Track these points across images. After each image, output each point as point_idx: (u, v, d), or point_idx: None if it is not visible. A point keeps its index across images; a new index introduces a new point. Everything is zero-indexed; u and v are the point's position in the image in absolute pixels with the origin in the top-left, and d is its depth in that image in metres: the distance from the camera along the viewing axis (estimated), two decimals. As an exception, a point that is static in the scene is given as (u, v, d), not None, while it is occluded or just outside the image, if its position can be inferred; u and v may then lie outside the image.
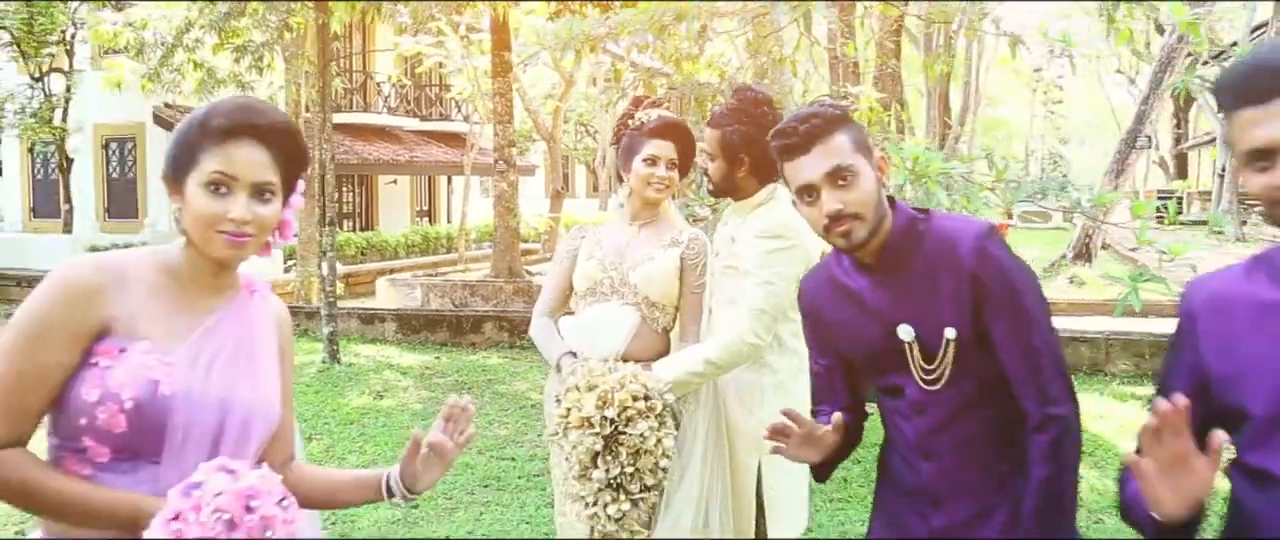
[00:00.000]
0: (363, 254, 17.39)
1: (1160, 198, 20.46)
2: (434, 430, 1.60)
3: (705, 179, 2.88)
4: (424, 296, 13.14)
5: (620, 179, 2.88)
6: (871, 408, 1.94)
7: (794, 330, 2.52)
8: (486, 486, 5.10)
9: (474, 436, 1.68)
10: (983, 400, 1.71)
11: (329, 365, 8.31)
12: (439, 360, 8.83)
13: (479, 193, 21.98)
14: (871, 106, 6.34)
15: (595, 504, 2.41)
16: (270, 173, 1.45)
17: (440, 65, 16.16)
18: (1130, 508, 1.46)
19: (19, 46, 16.11)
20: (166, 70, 10.98)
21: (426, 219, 22.39)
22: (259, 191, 1.44)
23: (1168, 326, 1.64)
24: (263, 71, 10.92)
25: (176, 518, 1.29)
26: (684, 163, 2.84)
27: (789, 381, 2.67)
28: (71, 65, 16.70)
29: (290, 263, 13.30)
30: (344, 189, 19.00)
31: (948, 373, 1.69)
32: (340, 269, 11.15)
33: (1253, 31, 17.55)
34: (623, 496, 2.39)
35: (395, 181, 20.89)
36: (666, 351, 2.74)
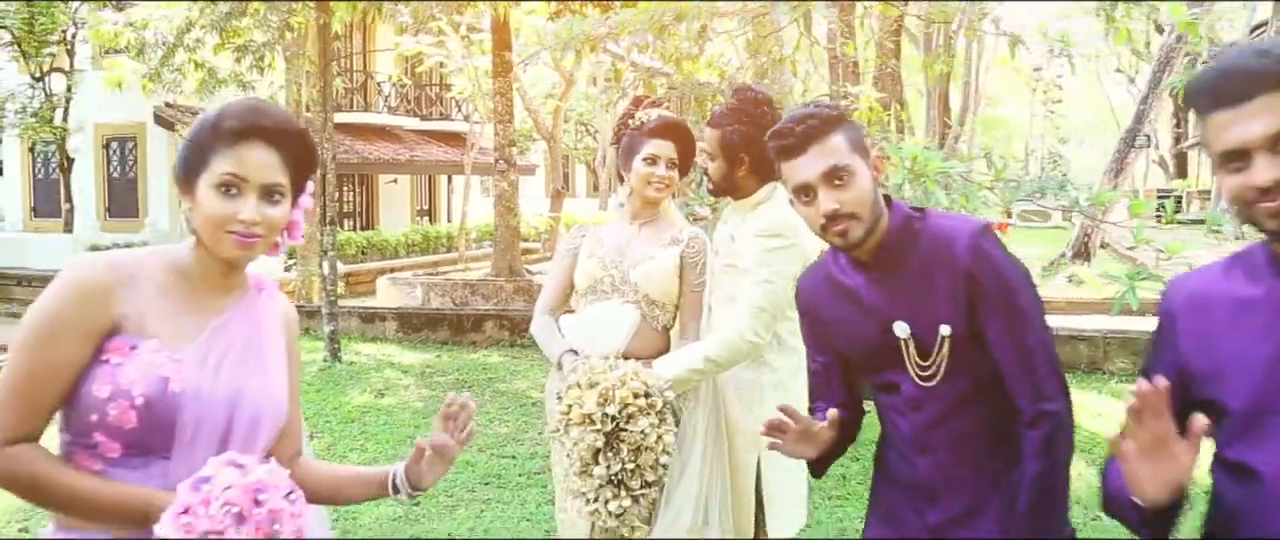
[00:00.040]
0: (363, 253, 17.41)
1: (1160, 197, 20.48)
2: (435, 431, 1.63)
3: (705, 178, 2.90)
4: (424, 295, 13.16)
5: (621, 178, 2.91)
6: (869, 405, 1.96)
7: (793, 328, 2.54)
8: (487, 484, 5.12)
9: (474, 434, 1.70)
10: (977, 397, 1.74)
11: (330, 364, 8.33)
12: (440, 359, 8.86)
13: (479, 192, 21.99)
14: (871, 106, 6.36)
15: (596, 500, 2.44)
16: (280, 175, 1.48)
17: (441, 65, 16.18)
18: (1112, 499, 1.49)
19: (20, 46, 16.11)
20: (167, 70, 10.99)
21: (427, 218, 22.40)
22: (269, 193, 1.46)
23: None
24: (264, 71, 10.93)
25: (186, 512, 1.31)
26: (684, 162, 2.86)
27: (788, 379, 2.69)
28: (72, 65, 16.71)
29: (291, 262, 13.31)
30: (344, 188, 19.00)
31: (943, 369, 1.72)
32: (341, 268, 11.18)
33: (1252, 31, 17.57)
34: (623, 493, 2.42)
35: (396, 181, 20.90)
36: (666, 349, 2.76)
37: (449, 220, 21.95)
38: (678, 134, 2.83)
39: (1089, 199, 4.38)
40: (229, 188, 1.44)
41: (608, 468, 2.40)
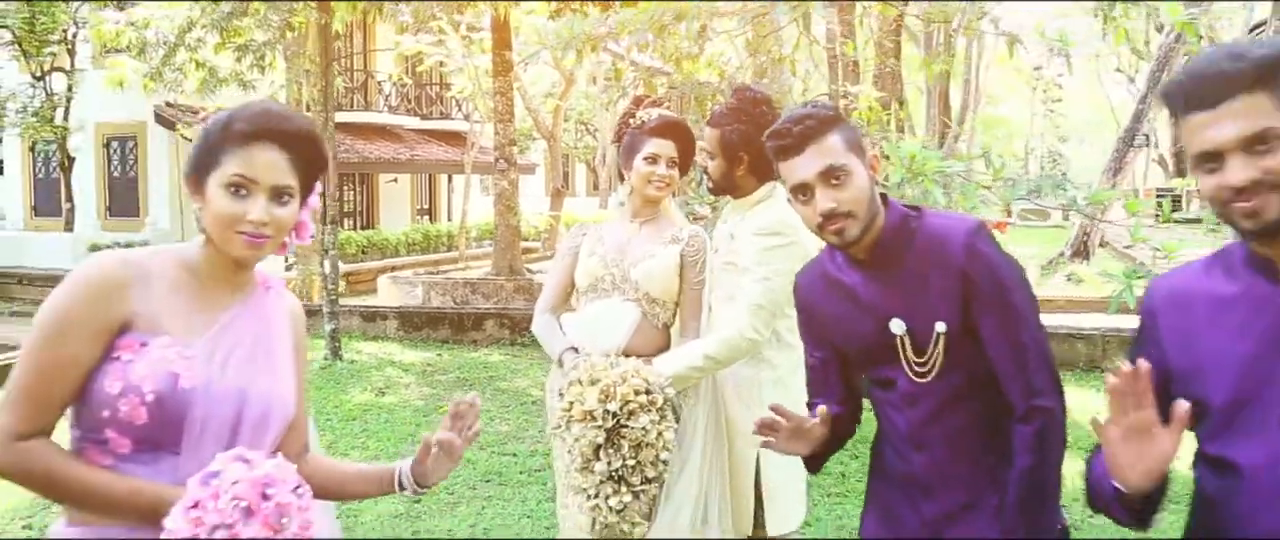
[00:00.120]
0: (364, 252, 17.42)
1: (1158, 195, 20.48)
2: (442, 429, 1.66)
3: (705, 177, 2.92)
4: (425, 294, 13.19)
5: (622, 177, 2.93)
6: (868, 403, 1.99)
7: (791, 325, 2.56)
8: (488, 481, 5.15)
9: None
10: (972, 393, 1.76)
11: (331, 362, 8.36)
12: (440, 357, 8.88)
13: (479, 191, 21.99)
14: (871, 105, 6.38)
15: (597, 496, 2.46)
16: (289, 176, 1.50)
17: (441, 64, 16.18)
18: (1096, 490, 1.52)
19: (20, 45, 16.14)
20: (168, 69, 11.01)
21: (427, 217, 22.41)
22: (278, 194, 1.49)
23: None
24: (264, 71, 10.96)
25: (195, 506, 1.33)
26: (684, 161, 2.88)
27: (787, 376, 2.72)
28: (73, 64, 16.73)
29: (291, 261, 13.33)
30: (345, 187, 19.01)
31: (938, 365, 1.75)
32: (341, 267, 11.19)
33: (1251, 30, 17.57)
34: (624, 489, 2.44)
35: (396, 180, 20.91)
36: (667, 347, 2.78)
37: (449, 219, 21.96)
38: (678, 133, 2.86)
39: (1087, 198, 4.40)
40: (239, 188, 1.46)
41: (608, 464, 2.42)
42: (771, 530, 2.77)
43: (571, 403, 2.48)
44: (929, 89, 16.15)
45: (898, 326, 1.76)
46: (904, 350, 1.76)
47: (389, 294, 13.86)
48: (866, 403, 1.99)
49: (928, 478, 1.80)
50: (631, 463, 2.42)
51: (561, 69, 16.95)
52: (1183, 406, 1.32)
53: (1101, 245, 14.29)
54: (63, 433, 1.46)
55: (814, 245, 2.59)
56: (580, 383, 2.50)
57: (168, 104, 15.07)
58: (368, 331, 9.97)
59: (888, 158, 3.96)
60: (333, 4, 9.14)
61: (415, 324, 9.89)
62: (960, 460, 1.78)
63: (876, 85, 8.00)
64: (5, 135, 17.20)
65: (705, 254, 2.81)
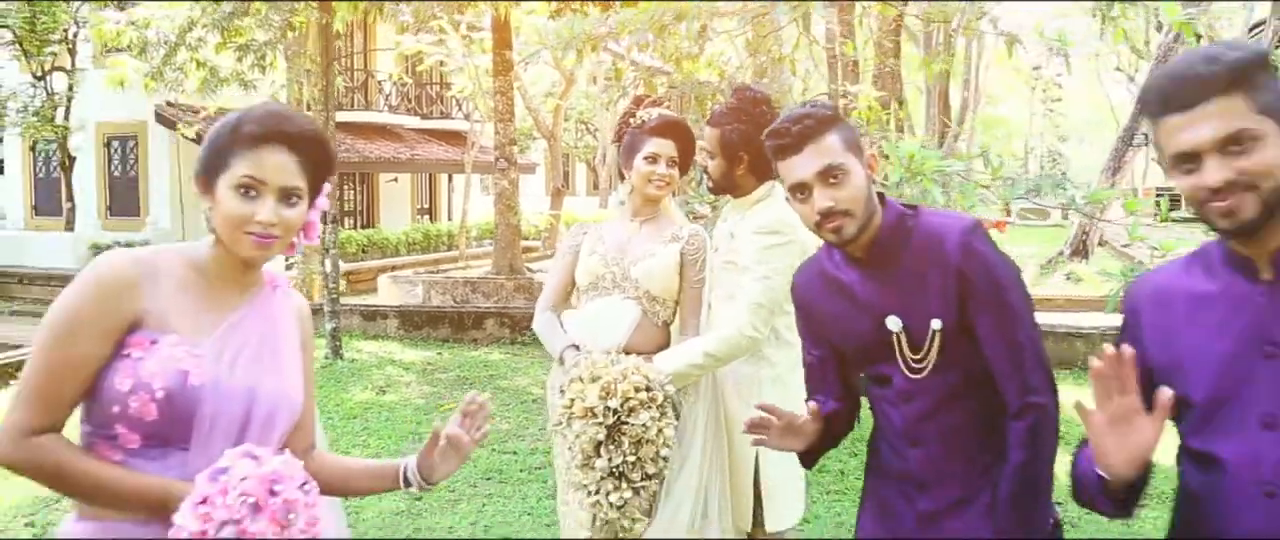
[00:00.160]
0: (364, 251, 17.43)
1: (1157, 194, 20.49)
2: (452, 424, 1.68)
3: (705, 176, 2.95)
4: (425, 293, 13.21)
5: (622, 176, 2.95)
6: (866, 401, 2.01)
7: (790, 323, 2.58)
8: (489, 479, 5.17)
9: (477, 430, 1.75)
10: (968, 391, 1.79)
11: (332, 361, 8.38)
12: (441, 356, 8.90)
13: (480, 190, 22.01)
14: (870, 105, 6.40)
15: (598, 492, 2.48)
16: (297, 178, 1.52)
17: (441, 64, 16.19)
18: (1080, 482, 1.54)
19: (21, 45, 16.15)
20: (169, 69, 11.01)
21: (427, 216, 22.42)
22: (286, 195, 1.51)
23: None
24: (265, 70, 10.97)
25: (204, 501, 1.35)
26: (684, 160, 2.90)
27: (786, 374, 2.74)
28: (74, 64, 16.73)
29: (292, 260, 13.35)
30: (345, 187, 19.02)
31: (933, 362, 1.77)
32: (342, 266, 11.21)
33: (1250, 30, 17.58)
34: (624, 485, 2.46)
35: (396, 179, 20.91)
36: (667, 344, 2.81)
37: (449, 218, 21.97)
38: (678, 132, 2.88)
39: (1086, 197, 4.43)
40: (248, 190, 1.49)
41: (609, 460, 2.45)
42: (770, 527, 2.79)
43: (572, 400, 2.50)
44: (929, 89, 16.17)
45: (894, 323, 1.78)
46: (900, 347, 1.78)
47: (389, 293, 13.88)
48: (864, 400, 2.01)
49: (923, 474, 1.83)
50: (632, 459, 2.45)
51: (562, 69, 16.96)
52: (1166, 394, 1.35)
53: (1100, 244, 14.31)
54: (73, 428, 1.48)
55: (813, 244, 2.61)
56: (581, 380, 2.52)
57: (168, 104, 15.08)
58: (368, 330, 9.99)
59: (887, 157, 3.98)
60: (334, 4, 9.15)
61: (416, 323, 9.91)
62: (955, 457, 1.81)
63: (876, 85, 8.02)
64: (6, 135, 17.21)
65: (705, 252, 2.83)
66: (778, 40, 6.89)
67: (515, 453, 5.65)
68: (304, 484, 1.42)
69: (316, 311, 8.80)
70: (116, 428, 1.44)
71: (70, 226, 17.07)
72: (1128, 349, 1.35)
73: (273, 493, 1.38)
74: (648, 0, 5.62)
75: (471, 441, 1.69)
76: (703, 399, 2.72)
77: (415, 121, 21.04)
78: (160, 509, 1.39)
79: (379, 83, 20.23)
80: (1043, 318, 1.81)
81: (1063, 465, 1.69)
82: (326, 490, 1.65)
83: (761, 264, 2.64)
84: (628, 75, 7.08)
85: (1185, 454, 1.50)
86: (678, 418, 2.61)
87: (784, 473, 2.77)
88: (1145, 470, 1.42)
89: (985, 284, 1.73)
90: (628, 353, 2.65)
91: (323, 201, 1.60)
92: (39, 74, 16.58)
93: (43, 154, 18.16)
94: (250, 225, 1.48)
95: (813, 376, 2.01)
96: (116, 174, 17.56)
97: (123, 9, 12.14)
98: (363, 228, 19.26)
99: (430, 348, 9.32)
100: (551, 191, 18.84)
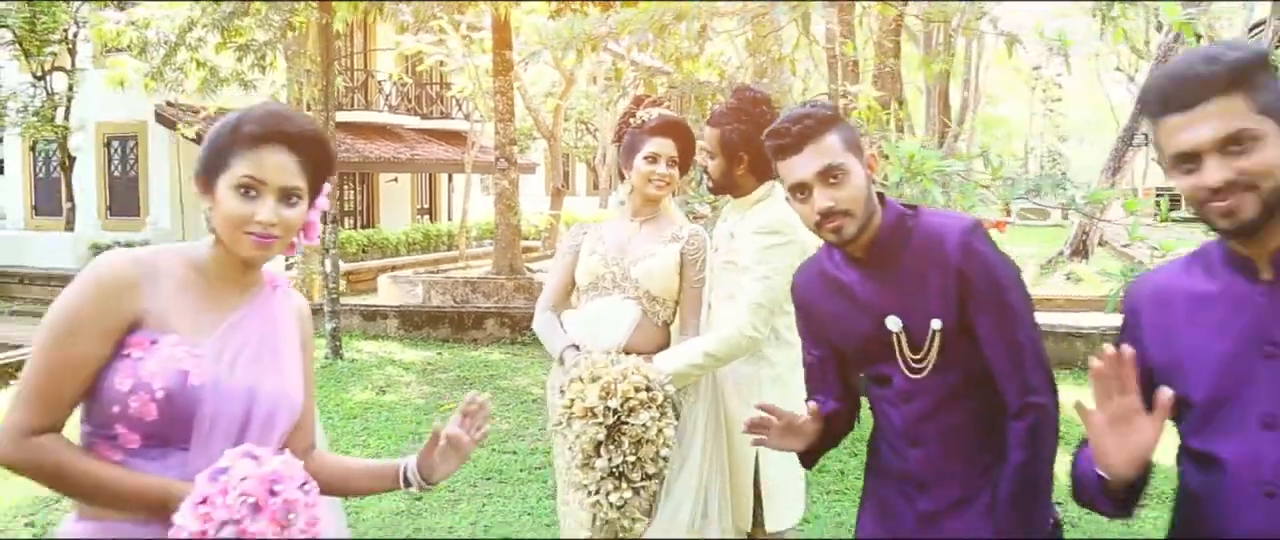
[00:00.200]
0: (364, 251, 17.44)
1: (1157, 194, 20.49)
2: (452, 424, 1.68)
3: (705, 176, 2.95)
4: (425, 293, 13.21)
5: (622, 176, 2.95)
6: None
7: (790, 323, 2.58)
8: (489, 479, 5.17)
9: (477, 430, 1.75)
10: (967, 391, 1.79)
11: (332, 361, 8.38)
12: (441, 356, 8.90)
13: (480, 190, 22.01)
14: (870, 105, 6.41)
15: (598, 492, 2.48)
16: (297, 178, 1.52)
17: (441, 63, 16.20)
18: (1080, 483, 1.54)
19: (21, 45, 16.15)
20: (169, 69, 11.01)
21: (427, 216, 22.42)
22: (286, 196, 1.51)
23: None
24: (265, 70, 10.97)
25: (204, 502, 1.35)
26: (684, 160, 2.91)
27: (786, 374, 2.74)
28: (74, 63, 16.73)
29: (292, 260, 13.35)
30: (345, 187, 19.03)
31: (933, 362, 1.77)
32: (342, 266, 11.22)
33: (1250, 29, 17.58)
34: (624, 485, 2.46)
35: (396, 179, 20.92)
36: (667, 344, 2.81)
37: (449, 218, 21.98)
38: (678, 132, 2.88)
39: (1086, 197, 4.43)
40: (248, 190, 1.49)
41: (609, 460, 2.45)
42: (770, 527, 2.79)
43: (572, 399, 2.50)
44: (929, 89, 16.17)
45: (894, 323, 1.78)
46: (900, 347, 1.78)
47: (389, 293, 13.88)
48: (864, 400, 2.01)
49: (923, 473, 1.83)
50: (632, 459, 2.45)
51: (561, 69, 16.96)
52: (1166, 394, 1.35)
53: (1100, 244, 14.32)
54: (73, 428, 1.48)
55: (813, 244, 2.61)
56: (581, 380, 2.52)
57: (168, 103, 15.08)
58: (368, 330, 9.99)
59: (887, 157, 3.99)
60: (334, 4, 9.16)
61: (416, 323, 9.91)
62: (955, 457, 1.81)
63: (876, 85, 8.02)
64: (6, 135, 17.21)
65: (705, 252, 2.83)
66: (778, 40, 6.89)
67: (515, 453, 5.65)
68: (304, 484, 1.42)
69: (316, 311, 8.80)
70: (116, 428, 1.44)
71: (70, 226, 17.07)
72: (1128, 349, 1.35)
73: (273, 493, 1.38)
74: (648, 0, 5.62)
75: (471, 441, 1.69)
76: (703, 399, 2.72)
77: (415, 121, 21.05)
78: (160, 509, 1.40)
79: (379, 83, 20.23)
80: (1043, 318, 1.81)
81: (1063, 465, 1.70)
82: (326, 490, 1.65)
83: (761, 264, 2.64)
84: (628, 75, 7.08)
85: (1185, 454, 1.50)
86: (678, 418, 2.61)
87: (784, 473, 2.77)
88: (1145, 470, 1.42)
89: (985, 284, 1.73)
90: (628, 353, 2.65)
91: (323, 201, 1.61)
92: (39, 74, 16.59)
93: (43, 154, 18.16)
94: (250, 225, 1.48)
95: (813, 376, 2.01)
96: (116, 174, 17.56)
97: (123, 9, 12.14)
98: (363, 228, 19.26)
99: (430, 348, 9.32)
100: (551, 191, 18.84)
